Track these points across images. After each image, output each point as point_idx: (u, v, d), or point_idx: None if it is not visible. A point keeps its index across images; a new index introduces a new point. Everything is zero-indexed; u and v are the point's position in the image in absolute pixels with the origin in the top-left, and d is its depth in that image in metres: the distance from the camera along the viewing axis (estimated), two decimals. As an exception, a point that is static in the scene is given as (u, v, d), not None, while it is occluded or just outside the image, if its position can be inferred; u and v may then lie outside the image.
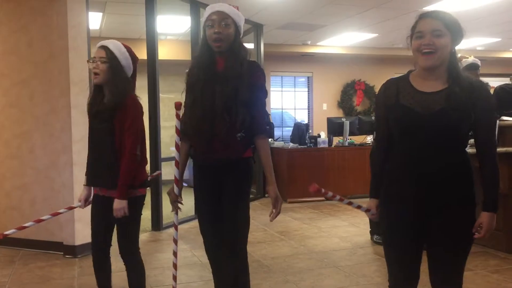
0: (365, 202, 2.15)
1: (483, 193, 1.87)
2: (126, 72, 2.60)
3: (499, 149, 4.02)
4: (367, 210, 2.11)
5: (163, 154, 5.69)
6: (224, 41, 2.29)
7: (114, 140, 2.53)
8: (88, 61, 2.65)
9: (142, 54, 5.64)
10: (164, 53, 7.55)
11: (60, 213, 2.85)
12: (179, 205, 2.61)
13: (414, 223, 1.91)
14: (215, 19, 2.29)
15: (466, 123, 1.82)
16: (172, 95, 9.62)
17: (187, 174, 8.89)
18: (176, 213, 2.68)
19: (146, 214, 5.72)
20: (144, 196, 2.70)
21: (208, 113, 2.29)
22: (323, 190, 2.06)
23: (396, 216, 1.95)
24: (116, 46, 2.57)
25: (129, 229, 2.68)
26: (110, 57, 2.53)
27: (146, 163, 2.71)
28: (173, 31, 8.03)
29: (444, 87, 1.85)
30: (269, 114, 2.45)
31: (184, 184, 3.00)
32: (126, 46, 2.64)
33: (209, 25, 2.30)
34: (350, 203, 2.20)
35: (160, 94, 5.51)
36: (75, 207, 2.77)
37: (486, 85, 1.93)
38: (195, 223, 5.67)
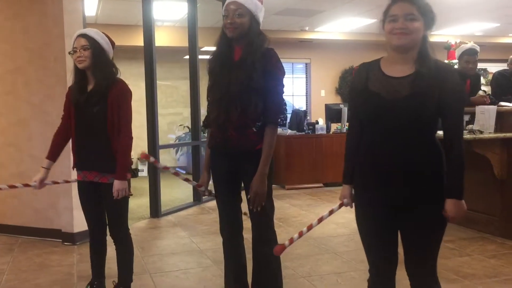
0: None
1: (448, 179, 1.84)
2: (109, 56, 2.68)
3: (497, 135, 4.04)
4: (198, 186, 2.36)
5: (161, 142, 5.68)
6: (238, 29, 2.35)
7: (107, 123, 2.58)
8: (69, 53, 2.67)
9: (139, 40, 5.61)
10: (161, 39, 7.50)
11: (16, 186, 2.91)
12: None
13: (385, 210, 1.90)
14: (230, 9, 2.37)
15: (432, 107, 1.79)
16: (169, 82, 9.60)
17: (185, 161, 8.93)
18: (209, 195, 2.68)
19: (145, 201, 5.74)
20: (129, 181, 2.73)
21: (224, 99, 2.37)
22: (152, 158, 2.63)
23: (369, 203, 1.95)
24: (95, 32, 2.64)
25: (120, 212, 2.74)
26: (92, 42, 2.59)
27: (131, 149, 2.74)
28: (170, 17, 7.96)
29: (412, 71, 1.83)
30: (285, 103, 2.46)
31: (182, 171, 3.01)
32: (102, 32, 2.69)
33: (225, 15, 2.38)
34: (177, 174, 2.51)
35: (157, 81, 5.48)
36: (31, 186, 2.79)
37: (453, 68, 1.91)
38: (193, 210, 5.75)
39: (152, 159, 2.64)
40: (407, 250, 1.93)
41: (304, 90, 10.87)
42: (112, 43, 2.71)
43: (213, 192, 2.59)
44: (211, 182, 2.60)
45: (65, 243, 4.34)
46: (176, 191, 6.88)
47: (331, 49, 10.33)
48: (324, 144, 7.23)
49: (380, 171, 1.88)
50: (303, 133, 7.35)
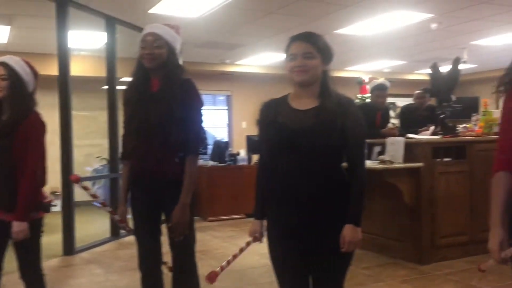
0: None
1: (349, 205, 1.92)
2: (27, 88, 2.51)
3: (406, 165, 4.29)
4: (120, 221, 2.37)
5: (76, 174, 5.42)
6: (156, 60, 2.35)
7: (13, 158, 2.40)
8: None
9: (53, 69, 5.39)
10: (78, 69, 7.26)
11: None
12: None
13: (295, 240, 1.94)
14: (148, 40, 2.36)
15: (335, 137, 1.88)
16: (86, 113, 9.27)
17: (103, 194, 8.58)
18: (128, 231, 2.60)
19: (57, 237, 5.41)
20: (42, 219, 2.55)
21: (143, 130, 2.34)
22: (83, 183, 2.57)
23: (280, 234, 1.99)
24: (16, 62, 2.49)
25: (29, 252, 2.53)
26: (10, 73, 2.44)
27: (45, 184, 2.58)
28: (88, 46, 7.76)
29: (316, 104, 1.93)
30: (205, 132, 2.47)
31: (98, 205, 2.90)
32: (25, 61, 2.55)
33: (142, 46, 2.37)
34: (104, 204, 2.55)
35: (73, 112, 5.28)
36: None
37: (354, 102, 2.04)
38: (111, 245, 5.50)
39: (83, 183, 2.51)
40: (315, 280, 1.98)
41: (225, 121, 10.96)
42: (35, 73, 2.56)
43: (131, 228, 2.51)
44: (129, 216, 2.52)
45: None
46: (92, 226, 6.56)
47: (252, 81, 10.56)
48: (245, 175, 7.28)
49: (289, 201, 1.93)
50: (225, 164, 7.37)
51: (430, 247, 4.40)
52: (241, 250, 2.30)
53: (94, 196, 2.65)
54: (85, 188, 2.60)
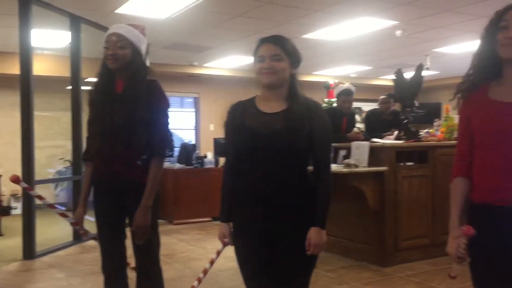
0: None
1: (315, 209, 1.94)
2: None
3: (370, 168, 4.37)
4: (75, 224, 2.34)
5: (38, 176, 5.28)
6: (120, 61, 2.31)
7: None
8: None
9: (15, 68, 5.25)
10: (41, 68, 7.09)
11: None
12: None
13: (261, 243, 1.96)
14: (112, 40, 2.33)
15: (303, 141, 1.90)
16: (49, 113, 9.03)
17: (66, 196, 8.38)
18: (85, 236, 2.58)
19: (17, 241, 5.25)
20: None
21: (107, 132, 2.30)
22: (23, 184, 2.59)
23: (246, 236, 2.00)
24: None
25: None
26: None
27: None
28: (51, 45, 7.58)
29: (284, 107, 1.95)
30: (171, 135, 2.44)
31: (62, 208, 2.83)
32: None
33: (106, 47, 2.33)
34: (52, 206, 2.51)
35: (36, 112, 5.14)
36: None
37: (321, 106, 2.07)
38: (73, 249, 5.38)
39: (23, 184, 2.45)
40: (280, 283, 1.98)
41: (193, 123, 10.90)
42: None
43: (90, 232, 2.47)
44: (91, 219, 2.47)
45: None
46: (54, 229, 6.39)
47: (220, 84, 10.53)
48: (212, 178, 7.24)
49: (256, 203, 1.94)
50: (192, 167, 7.32)
51: (393, 250, 4.49)
52: (212, 262, 2.29)
53: (39, 197, 2.61)
54: (28, 189, 2.56)
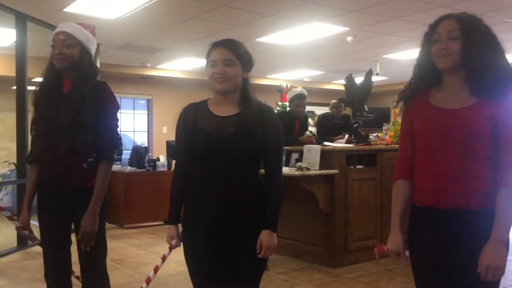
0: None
1: (266, 212, 1.95)
2: None
3: (321, 171, 4.44)
4: (21, 228, 2.31)
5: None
6: (66, 60, 2.25)
7: None
8: None
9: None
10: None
11: None
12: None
13: (211, 254, 1.95)
14: (59, 39, 2.26)
15: (255, 145, 1.92)
16: (-8, 114, 8.65)
17: (10, 201, 8.04)
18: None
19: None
20: None
21: (50, 133, 2.23)
22: None
23: (195, 238, 1.99)
24: None
25: None
26: None
27: None
28: (-4, 43, 7.27)
29: (237, 111, 1.96)
30: (120, 138, 2.37)
31: (7, 213, 2.72)
32: None
33: (52, 45, 2.27)
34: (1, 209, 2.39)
35: (-23, 113, 4.91)
36: None
37: (273, 110, 2.09)
38: (17, 255, 5.17)
39: None
40: (230, 282, 1.98)
41: (145, 126, 10.73)
42: None
43: (37, 238, 2.37)
44: (36, 223, 2.38)
45: None
46: (-4, 235, 6.13)
47: (173, 86, 10.43)
48: (165, 181, 7.14)
49: (207, 206, 1.93)
50: (144, 170, 7.20)
51: (343, 251, 4.58)
52: (157, 267, 2.25)
53: None
54: None
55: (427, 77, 1.78)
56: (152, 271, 2.29)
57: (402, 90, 1.84)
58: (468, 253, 1.63)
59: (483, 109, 1.65)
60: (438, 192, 1.68)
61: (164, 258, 2.20)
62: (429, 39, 1.73)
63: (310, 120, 8.21)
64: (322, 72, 10.47)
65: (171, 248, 2.10)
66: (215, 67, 1.92)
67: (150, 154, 8.55)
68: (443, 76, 1.74)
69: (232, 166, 1.91)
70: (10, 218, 2.51)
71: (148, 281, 2.29)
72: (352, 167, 4.70)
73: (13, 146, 6.05)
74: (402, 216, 1.79)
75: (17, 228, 2.45)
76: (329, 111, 6.41)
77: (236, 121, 1.92)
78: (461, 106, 1.68)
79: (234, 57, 1.93)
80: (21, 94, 5.59)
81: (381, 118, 8.44)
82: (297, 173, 4.30)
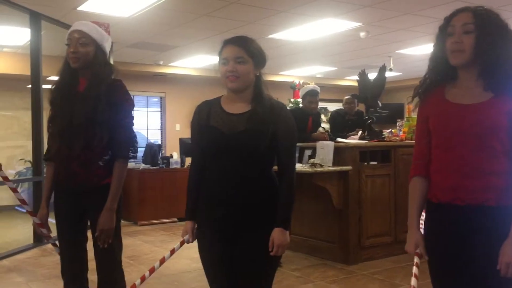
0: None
1: (278, 209, 1.95)
2: None
3: (335, 168, 4.43)
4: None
5: (-4, 178, 5.10)
6: (81, 59, 2.26)
7: None
8: None
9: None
10: (0, 66, 6.88)
11: None
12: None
13: (222, 242, 1.96)
14: (74, 37, 2.27)
15: (267, 143, 1.91)
16: (9, 112, 8.78)
17: (26, 198, 8.14)
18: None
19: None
20: None
21: (66, 132, 2.24)
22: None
23: (208, 235, 2.00)
24: None
25: None
26: None
27: None
28: (10, 43, 7.35)
29: (249, 109, 1.96)
30: (135, 136, 2.38)
31: (22, 210, 2.75)
32: None
33: (67, 44, 2.28)
34: (23, 202, 2.51)
35: (-6, 111, 4.98)
36: None
37: (286, 107, 2.07)
38: (33, 252, 5.24)
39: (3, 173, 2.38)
40: (243, 283, 1.98)
41: (159, 123, 10.78)
42: None
43: (51, 237, 2.40)
44: (53, 221, 2.41)
45: None
46: (13, 232, 6.21)
47: (186, 83, 10.45)
48: (178, 178, 7.18)
49: (219, 203, 1.94)
50: (157, 167, 7.25)
51: (357, 248, 4.56)
52: (163, 258, 2.26)
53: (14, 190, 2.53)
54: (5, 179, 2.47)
55: (442, 71, 1.76)
56: (158, 262, 2.31)
57: (417, 86, 1.82)
58: (486, 250, 1.61)
59: (500, 104, 1.63)
60: (455, 188, 1.66)
61: (173, 252, 2.21)
62: (444, 32, 1.70)
63: (323, 116, 8.19)
64: (335, 68, 10.41)
65: (183, 243, 2.10)
66: (227, 65, 1.92)
67: (163, 152, 8.59)
68: (458, 71, 1.72)
69: (243, 163, 1.91)
70: (31, 213, 2.55)
71: (152, 270, 2.31)
72: (365, 163, 4.68)
73: (28, 144, 6.12)
74: (420, 215, 1.77)
75: (35, 224, 2.48)
76: (342, 107, 6.39)
77: (247, 118, 1.93)
78: (477, 101, 1.66)
79: (245, 54, 1.92)
80: (36, 93, 5.65)
81: (395, 114, 8.36)
82: (310, 169, 4.29)
